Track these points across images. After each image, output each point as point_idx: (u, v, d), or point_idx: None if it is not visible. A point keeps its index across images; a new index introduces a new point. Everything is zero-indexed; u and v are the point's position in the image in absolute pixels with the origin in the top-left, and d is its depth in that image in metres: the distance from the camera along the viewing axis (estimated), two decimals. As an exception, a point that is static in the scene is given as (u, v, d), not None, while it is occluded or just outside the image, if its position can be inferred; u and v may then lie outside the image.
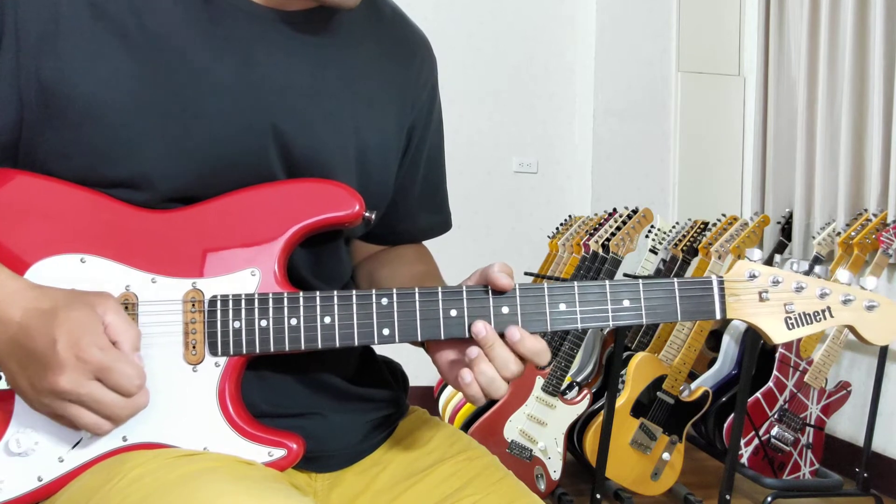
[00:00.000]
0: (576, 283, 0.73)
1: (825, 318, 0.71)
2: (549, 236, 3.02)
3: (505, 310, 0.71)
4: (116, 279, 0.69)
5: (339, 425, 0.80)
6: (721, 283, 0.72)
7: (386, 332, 0.71)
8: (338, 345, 0.71)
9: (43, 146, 0.70)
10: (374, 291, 0.71)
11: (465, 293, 0.72)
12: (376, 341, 0.71)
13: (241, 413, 0.71)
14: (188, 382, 0.70)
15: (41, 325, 0.62)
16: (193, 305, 0.70)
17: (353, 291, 0.71)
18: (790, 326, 0.70)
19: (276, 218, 0.72)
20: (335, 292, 0.71)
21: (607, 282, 0.72)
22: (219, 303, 0.70)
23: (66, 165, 0.70)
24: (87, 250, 0.69)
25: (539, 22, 3.40)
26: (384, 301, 0.71)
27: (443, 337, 0.71)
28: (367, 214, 0.74)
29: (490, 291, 0.72)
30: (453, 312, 0.71)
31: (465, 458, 0.83)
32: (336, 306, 0.70)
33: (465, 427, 2.25)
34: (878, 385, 2.11)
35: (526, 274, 3.01)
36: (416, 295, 0.71)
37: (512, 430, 2.22)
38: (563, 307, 0.72)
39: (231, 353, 0.70)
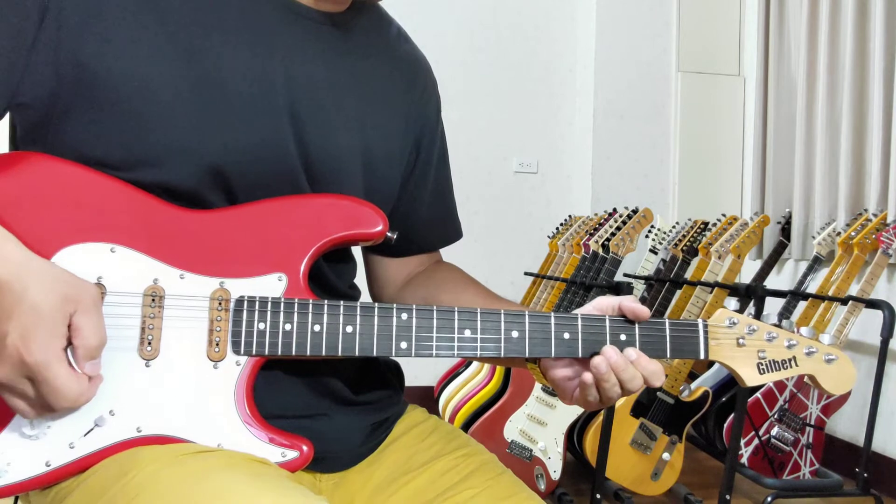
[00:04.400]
0: (580, 314, 0.77)
1: (791, 367, 0.79)
2: (549, 236, 3.03)
3: (514, 334, 0.76)
4: (145, 271, 0.71)
5: (342, 426, 0.81)
6: (706, 327, 0.78)
7: (403, 345, 0.74)
8: (357, 354, 0.73)
9: (75, 124, 0.72)
10: (395, 306, 0.74)
11: (479, 315, 0.75)
12: (393, 354, 0.74)
13: (256, 413, 0.72)
14: (208, 378, 0.71)
15: (5, 307, 0.62)
16: (220, 304, 0.71)
17: (376, 304, 0.74)
18: (761, 371, 0.78)
19: (306, 229, 0.75)
20: (358, 303, 0.73)
21: (607, 317, 0.77)
22: (245, 303, 0.72)
23: (97, 144, 0.72)
24: (118, 240, 0.71)
25: (539, 22, 3.40)
26: (404, 316, 0.74)
27: (455, 355, 0.75)
28: (389, 234, 0.78)
29: (503, 315, 0.76)
30: (468, 332, 0.75)
31: (464, 455, 0.84)
32: (358, 317, 0.73)
33: (466, 427, 2.25)
34: (878, 385, 2.10)
35: (526, 274, 3.01)
36: (435, 313, 0.75)
37: (512, 430, 2.22)
38: (566, 336, 0.76)
39: (253, 353, 0.71)
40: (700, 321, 0.78)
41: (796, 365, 0.78)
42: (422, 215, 0.95)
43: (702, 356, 0.78)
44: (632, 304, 0.77)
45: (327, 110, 0.81)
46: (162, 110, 0.72)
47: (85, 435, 0.67)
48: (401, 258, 0.97)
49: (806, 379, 0.82)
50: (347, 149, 0.82)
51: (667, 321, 0.78)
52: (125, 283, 0.70)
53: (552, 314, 0.76)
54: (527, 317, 0.76)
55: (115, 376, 0.69)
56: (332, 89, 0.81)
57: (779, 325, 0.80)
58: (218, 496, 0.62)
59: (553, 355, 0.76)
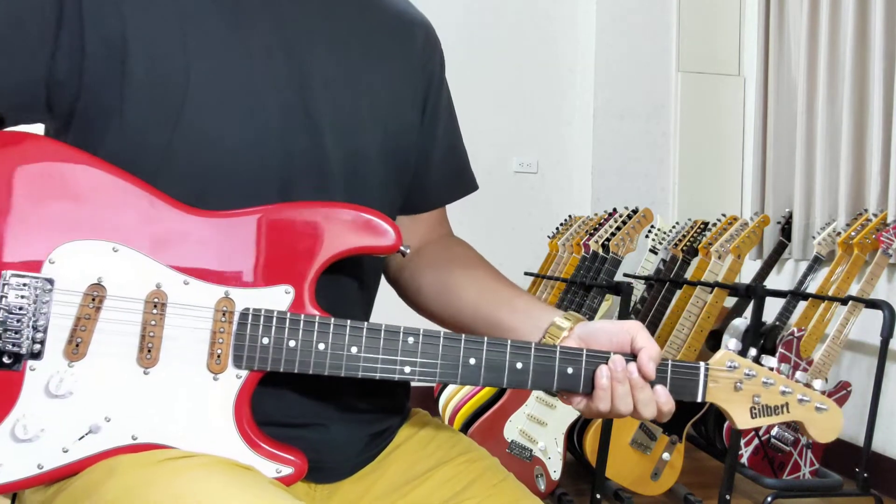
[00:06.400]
0: (585, 350, 0.76)
1: (783, 413, 0.80)
2: (549, 236, 3.02)
3: (518, 365, 0.74)
4: (148, 275, 0.68)
5: (340, 437, 0.80)
6: (707, 370, 0.78)
7: (407, 370, 0.72)
8: (360, 376, 0.71)
9: (102, 101, 0.71)
10: (401, 328, 0.72)
11: (485, 343, 0.74)
12: (396, 378, 0.72)
13: (253, 427, 0.71)
14: (207, 390, 0.69)
15: None
16: (224, 315, 0.69)
17: (383, 325, 0.72)
18: (753, 415, 0.79)
19: (316, 240, 0.73)
20: (365, 324, 0.72)
21: (612, 353, 0.76)
22: (250, 316, 0.70)
23: (129, 114, 0.71)
24: (121, 240, 0.68)
25: (539, 22, 3.40)
26: (410, 340, 0.72)
27: (459, 382, 0.74)
28: (402, 248, 0.76)
29: (509, 346, 0.74)
30: (472, 361, 0.73)
31: (466, 461, 0.83)
32: (364, 338, 0.71)
33: (466, 427, 2.25)
34: (878, 385, 2.10)
35: (526, 274, 3.01)
36: (441, 340, 0.73)
37: (512, 430, 2.22)
38: (570, 370, 0.75)
39: (255, 367, 0.70)
40: (702, 364, 0.78)
41: (788, 411, 0.79)
42: (433, 170, 0.93)
43: (699, 399, 0.77)
44: (648, 362, 0.74)
45: (350, 107, 0.80)
46: (180, 92, 0.72)
47: (79, 439, 0.66)
48: (412, 216, 0.95)
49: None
50: (373, 142, 0.82)
51: (669, 362, 0.77)
52: (127, 285, 0.68)
53: (558, 347, 0.75)
54: (532, 350, 0.74)
55: (113, 383, 0.67)
56: (343, 72, 0.80)
57: (776, 370, 0.80)
58: (191, 497, 0.61)
59: (555, 389, 0.75)
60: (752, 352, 0.81)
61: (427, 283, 0.90)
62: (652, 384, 0.75)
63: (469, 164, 1.01)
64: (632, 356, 0.76)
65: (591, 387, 0.75)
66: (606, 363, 0.75)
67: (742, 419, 0.79)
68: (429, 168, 0.93)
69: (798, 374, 0.82)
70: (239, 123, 0.74)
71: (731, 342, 0.81)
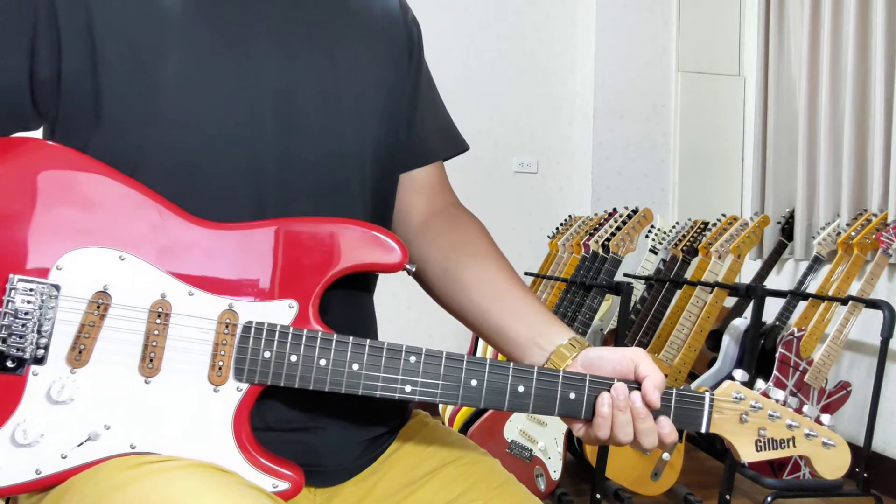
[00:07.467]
0: (588, 376, 0.75)
1: (789, 447, 0.78)
2: (549, 236, 3.02)
3: (520, 388, 0.74)
4: (153, 284, 0.69)
5: (338, 441, 0.79)
6: (712, 400, 0.77)
7: (408, 388, 0.72)
8: (360, 393, 0.71)
9: (82, 99, 0.71)
10: (404, 347, 0.72)
11: (487, 366, 0.73)
12: (396, 397, 0.72)
13: (252, 440, 0.71)
14: (208, 402, 0.69)
15: None
16: (227, 328, 0.69)
17: (385, 344, 0.72)
18: (759, 448, 0.77)
19: (323, 255, 0.73)
20: (367, 341, 0.71)
21: (615, 380, 0.75)
22: (253, 330, 0.70)
23: (100, 120, 0.71)
24: (128, 248, 0.69)
25: (539, 22, 3.40)
26: (412, 359, 0.72)
27: (459, 403, 0.73)
28: (407, 267, 0.76)
29: (511, 370, 0.73)
30: (473, 382, 0.73)
31: (468, 463, 0.83)
32: (366, 356, 0.71)
33: (466, 427, 2.25)
34: (878, 385, 2.10)
35: (526, 274, 3.01)
36: (443, 360, 0.73)
37: (512, 429, 2.22)
38: (572, 396, 0.74)
39: (256, 381, 0.70)
40: (707, 394, 0.77)
41: (794, 446, 0.77)
42: (420, 129, 0.92)
43: (703, 429, 0.76)
44: (652, 391, 0.73)
45: (338, 104, 0.80)
46: (153, 85, 0.72)
47: (78, 446, 0.66)
48: (410, 177, 0.93)
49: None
50: (364, 140, 0.82)
51: (674, 391, 0.76)
52: (132, 294, 0.68)
53: (561, 372, 0.74)
54: (535, 374, 0.74)
55: (114, 391, 0.67)
56: (326, 66, 0.80)
57: (783, 403, 0.78)
58: (167, 497, 0.61)
59: (556, 414, 0.74)
60: (759, 384, 0.80)
61: (433, 272, 0.89)
62: (656, 414, 0.74)
63: (455, 127, 0.99)
64: (636, 384, 0.74)
65: (592, 413, 0.74)
66: (609, 390, 0.74)
67: (747, 452, 0.77)
68: (414, 120, 0.92)
69: (805, 409, 0.80)
70: (216, 119, 0.74)
71: (737, 373, 0.80)
